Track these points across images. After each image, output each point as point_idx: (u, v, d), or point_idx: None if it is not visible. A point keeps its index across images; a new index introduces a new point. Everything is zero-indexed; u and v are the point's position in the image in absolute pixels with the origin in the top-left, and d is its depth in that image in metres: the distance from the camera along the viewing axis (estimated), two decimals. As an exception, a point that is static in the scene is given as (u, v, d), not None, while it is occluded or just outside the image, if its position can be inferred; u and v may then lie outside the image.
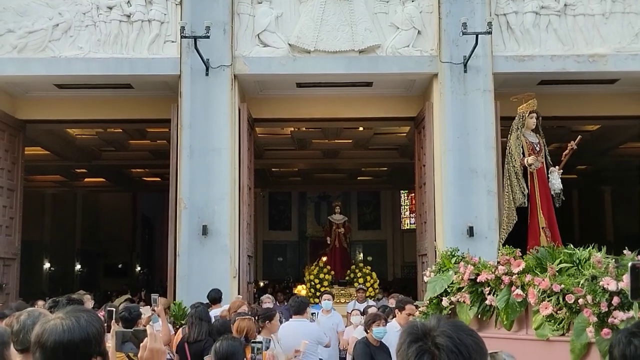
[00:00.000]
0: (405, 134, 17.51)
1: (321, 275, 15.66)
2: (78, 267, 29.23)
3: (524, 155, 8.08)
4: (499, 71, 12.36)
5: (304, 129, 18.01)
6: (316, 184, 27.37)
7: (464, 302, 5.77)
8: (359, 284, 15.23)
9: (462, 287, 5.83)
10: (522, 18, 12.51)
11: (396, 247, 31.00)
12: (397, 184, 27.55)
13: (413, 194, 24.11)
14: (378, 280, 16.38)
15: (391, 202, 31.58)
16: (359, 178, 26.14)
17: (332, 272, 16.04)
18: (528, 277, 5.23)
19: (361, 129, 17.78)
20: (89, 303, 8.83)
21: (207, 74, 12.21)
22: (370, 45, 12.52)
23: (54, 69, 12.47)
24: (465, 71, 12.25)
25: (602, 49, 12.39)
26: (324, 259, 16.56)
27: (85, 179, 24.80)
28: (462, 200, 12.08)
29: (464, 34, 11.69)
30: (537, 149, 8.18)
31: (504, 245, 7.14)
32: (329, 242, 17.18)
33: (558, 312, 4.92)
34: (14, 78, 12.79)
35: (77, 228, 29.07)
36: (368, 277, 16.06)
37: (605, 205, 22.98)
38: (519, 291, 5.25)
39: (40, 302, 9.20)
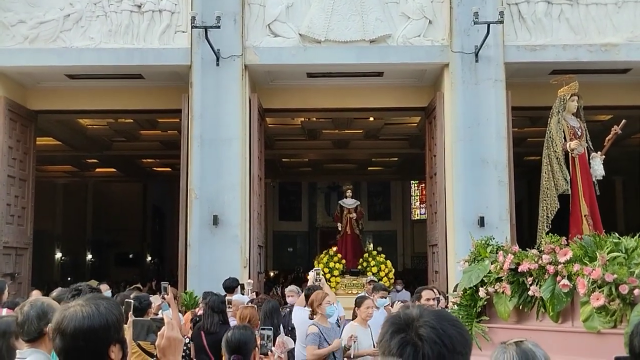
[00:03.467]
0: (415, 124, 17.47)
1: (331, 264, 14.48)
2: (89, 256, 29.39)
3: (565, 140, 7.65)
4: (510, 61, 12.31)
5: (314, 119, 18.00)
6: (326, 175, 27.36)
7: (503, 292, 5.54)
8: (373, 273, 14.27)
9: (501, 277, 5.58)
10: (534, 7, 12.44)
11: (406, 238, 31.00)
12: (407, 175, 27.51)
13: (423, 185, 23.99)
14: (393, 270, 15.24)
15: (401, 193, 31.56)
16: (369, 168, 26.12)
17: (343, 261, 14.89)
18: (576, 267, 4.98)
19: (372, 119, 17.75)
20: (106, 293, 8.89)
21: (217, 64, 12.22)
22: (381, 35, 12.49)
23: (65, 60, 12.51)
24: (476, 61, 12.20)
25: (615, 39, 12.31)
26: (334, 248, 15.40)
27: (96, 169, 24.90)
28: (473, 190, 12.06)
29: (475, 23, 11.64)
30: (579, 133, 7.75)
31: (546, 234, 6.97)
32: (339, 228, 15.80)
33: (610, 303, 4.68)
34: (26, 68, 12.83)
35: (88, 218, 29.21)
36: (382, 266, 14.85)
37: (617, 196, 22.89)
38: (565, 281, 5.00)
39: (35, 292, 9.27)
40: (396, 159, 24.28)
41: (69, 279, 15.81)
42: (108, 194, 29.33)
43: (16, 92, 13.48)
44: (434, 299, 7.56)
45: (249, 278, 11.69)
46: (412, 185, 31.09)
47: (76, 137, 18.84)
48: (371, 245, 16.22)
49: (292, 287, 10.48)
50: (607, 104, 13.43)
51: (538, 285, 5.26)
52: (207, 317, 7.25)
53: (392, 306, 8.50)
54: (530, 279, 5.35)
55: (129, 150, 21.30)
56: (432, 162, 13.33)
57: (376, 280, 12.92)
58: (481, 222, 11.82)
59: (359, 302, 7.74)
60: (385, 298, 10.24)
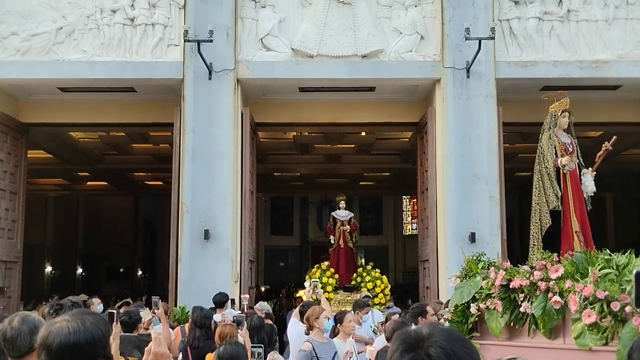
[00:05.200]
0: (407, 139, 17.51)
1: (324, 279, 13.83)
2: (80, 270, 29.22)
3: (556, 156, 7.68)
4: (501, 77, 12.38)
5: (306, 133, 18.02)
6: (318, 189, 27.36)
7: (495, 309, 5.50)
8: (368, 289, 13.62)
9: (493, 294, 5.55)
10: (525, 24, 12.53)
11: (398, 253, 30.99)
12: (399, 190, 27.55)
13: (415, 200, 23.99)
14: (389, 285, 14.52)
15: (393, 208, 31.57)
16: (361, 183, 26.13)
17: (336, 276, 14.22)
18: (568, 283, 4.94)
19: (363, 133, 17.78)
20: (98, 307, 8.85)
21: (210, 78, 12.24)
22: (373, 50, 12.54)
23: (58, 72, 12.50)
24: (468, 76, 12.27)
25: (605, 55, 12.40)
26: (327, 263, 14.63)
27: (88, 183, 24.82)
28: (464, 205, 12.08)
29: (466, 39, 11.71)
30: (570, 149, 7.79)
31: (538, 250, 6.92)
32: (332, 241, 14.95)
33: (602, 320, 4.64)
34: (17, 81, 12.81)
35: (79, 231, 29.08)
36: (378, 282, 14.09)
37: (607, 212, 22.98)
38: (557, 298, 4.97)
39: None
40: (388, 173, 24.31)
41: (53, 296, 15.62)
42: (99, 208, 29.25)
43: (8, 105, 13.44)
44: (432, 315, 7.56)
45: (243, 293, 11.65)
46: (404, 200, 31.12)
47: (68, 150, 18.78)
48: (363, 260, 15.78)
49: (259, 305, 10.35)
50: (597, 120, 13.52)
51: (529, 302, 5.23)
52: (191, 332, 7.27)
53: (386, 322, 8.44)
54: (521, 296, 5.33)
55: (121, 163, 21.24)
56: (423, 177, 13.35)
57: (371, 296, 12.65)
58: (472, 237, 11.82)
59: (339, 318, 7.69)
60: (367, 314, 10.23)
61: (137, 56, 12.48)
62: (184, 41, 11.99)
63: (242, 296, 10.73)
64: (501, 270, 5.58)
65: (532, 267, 5.48)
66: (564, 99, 7.98)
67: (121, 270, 29.87)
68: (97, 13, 12.55)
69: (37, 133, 15.07)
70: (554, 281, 5.09)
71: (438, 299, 11.35)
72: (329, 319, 7.49)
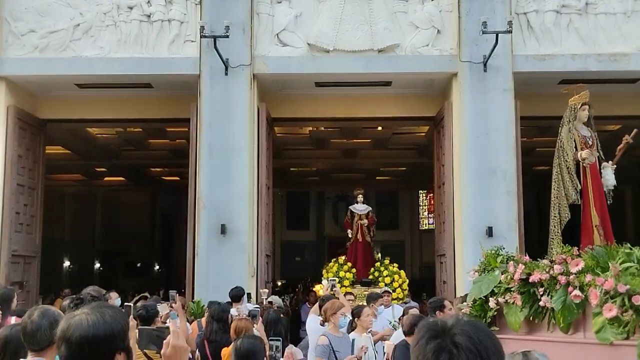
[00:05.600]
0: (424, 134, 17.46)
1: (341, 274, 13.85)
2: (97, 265, 29.43)
3: (576, 150, 7.62)
4: (519, 70, 12.30)
5: (322, 128, 18.01)
6: (334, 184, 27.34)
7: (514, 303, 5.47)
8: (385, 284, 13.47)
9: (512, 288, 5.53)
10: (543, 17, 12.43)
11: (414, 248, 30.89)
12: (415, 184, 27.46)
13: (431, 194, 23.91)
14: (407, 280, 14.43)
15: (409, 203, 31.48)
16: (377, 178, 26.08)
17: (354, 270, 14.15)
18: (589, 277, 4.90)
19: (380, 128, 17.74)
20: (116, 301, 8.91)
21: (226, 74, 12.26)
22: (390, 45, 12.50)
23: (75, 69, 12.58)
24: (485, 70, 12.19)
25: (624, 48, 12.29)
26: (344, 257, 14.60)
27: (105, 178, 24.97)
28: (481, 200, 12.02)
29: (483, 33, 11.64)
30: (590, 142, 7.73)
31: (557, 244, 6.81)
32: (349, 235, 14.80)
33: (623, 314, 4.60)
34: (36, 78, 12.91)
35: (97, 227, 29.28)
36: (396, 277, 13.98)
37: (626, 205, 22.77)
38: (577, 292, 4.93)
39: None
40: (404, 168, 24.25)
41: (79, 288, 15.75)
42: (117, 203, 29.40)
43: (26, 101, 13.54)
44: (450, 309, 7.55)
45: (260, 287, 11.70)
46: (421, 195, 31.01)
47: (85, 146, 18.91)
48: (379, 255, 15.72)
49: (271, 299, 10.40)
50: (616, 113, 13.38)
51: (549, 296, 5.20)
52: (208, 325, 7.31)
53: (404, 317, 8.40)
54: (541, 290, 5.30)
55: (138, 159, 21.36)
56: (440, 171, 13.30)
57: (390, 291, 12.51)
58: (489, 232, 11.77)
59: (357, 312, 7.70)
60: (383, 307, 10.21)
61: (154, 52, 12.53)
62: (200, 37, 12.02)
63: (261, 290, 10.78)
64: (520, 264, 5.55)
65: (551, 261, 5.43)
66: (583, 92, 7.91)
67: (138, 265, 30.04)
68: (114, 10, 12.62)
69: (55, 129, 15.18)
70: (574, 275, 5.05)
71: (455, 293, 11.32)
72: (346, 316, 7.50)
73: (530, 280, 5.38)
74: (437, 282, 13.69)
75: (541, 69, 12.36)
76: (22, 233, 13.28)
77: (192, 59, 12.44)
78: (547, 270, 5.30)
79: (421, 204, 31.34)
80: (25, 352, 3.52)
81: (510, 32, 11.70)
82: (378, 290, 12.43)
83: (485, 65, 12.15)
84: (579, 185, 7.53)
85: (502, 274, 5.72)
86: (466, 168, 12.18)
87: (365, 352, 7.10)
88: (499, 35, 11.66)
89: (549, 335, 5.25)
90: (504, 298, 5.59)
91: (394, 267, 14.30)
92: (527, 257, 5.73)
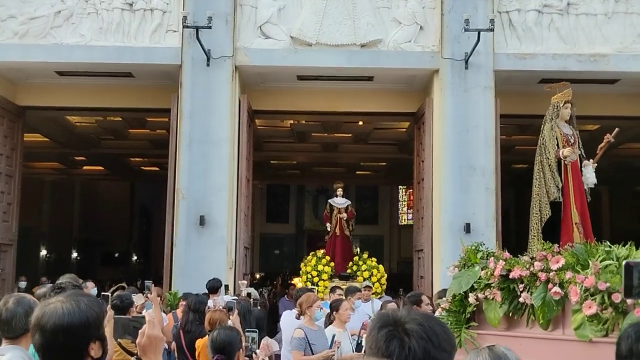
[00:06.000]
0: (404, 130, 17.51)
1: (320, 267, 13.78)
2: (75, 254, 29.24)
3: (558, 147, 7.64)
4: (500, 68, 12.37)
5: (303, 121, 18.00)
6: (315, 178, 27.36)
7: (493, 299, 5.48)
8: (364, 278, 13.44)
9: (492, 284, 5.53)
10: (525, 16, 12.51)
11: (393, 243, 31.04)
12: (395, 180, 27.57)
13: (411, 190, 24.02)
14: (386, 275, 14.33)
15: (389, 198, 31.61)
16: (357, 173, 26.14)
17: (332, 264, 14.06)
18: (569, 274, 4.92)
19: (361, 123, 17.77)
20: (92, 291, 8.87)
21: (208, 65, 12.21)
22: (372, 40, 12.51)
23: (55, 56, 12.45)
24: (466, 68, 12.25)
25: (604, 49, 12.40)
26: (322, 251, 14.48)
27: (84, 167, 24.79)
28: (460, 196, 12.10)
29: (466, 30, 11.70)
30: (572, 140, 7.76)
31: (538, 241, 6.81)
32: (328, 229, 14.73)
33: (603, 311, 4.62)
34: (15, 64, 12.76)
35: (75, 216, 29.07)
36: (374, 271, 13.89)
37: (603, 205, 23.03)
38: (557, 289, 4.94)
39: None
40: (384, 163, 24.32)
41: (43, 278, 15.73)
42: (95, 192, 29.23)
43: (5, 88, 13.41)
44: (427, 304, 7.59)
45: (238, 279, 11.69)
46: (400, 191, 31.14)
47: (64, 134, 18.75)
48: (358, 249, 15.70)
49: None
50: (595, 114, 13.51)
51: (529, 293, 5.22)
52: (184, 316, 7.30)
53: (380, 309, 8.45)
54: (521, 286, 5.32)
55: (118, 148, 21.22)
56: (420, 167, 13.36)
57: (370, 285, 12.46)
58: (467, 228, 11.85)
59: (335, 306, 7.72)
60: (361, 301, 10.25)
61: (135, 41, 12.44)
62: (183, 27, 11.96)
63: (239, 282, 10.76)
64: (501, 261, 5.57)
65: (532, 258, 5.46)
66: (566, 90, 7.95)
67: (116, 255, 29.90)
68: (95, -3, 12.51)
69: (34, 116, 15.04)
70: (554, 272, 5.08)
71: (432, 288, 11.39)
72: (322, 309, 7.52)
73: (510, 277, 5.40)
74: (414, 277, 13.77)
75: (522, 68, 12.45)
76: (-1, 221, 13.18)
77: (174, 49, 12.38)
78: (527, 266, 5.32)
79: (401, 199, 31.47)
80: (0, 340, 3.51)
81: (492, 30, 11.77)
82: (357, 285, 12.47)
83: (466, 62, 12.21)
84: (560, 182, 7.54)
85: (482, 270, 5.73)
86: (446, 164, 12.24)
87: (338, 347, 7.14)
88: (481, 33, 11.72)
89: (528, 331, 5.26)
90: (483, 294, 5.61)
91: (372, 261, 14.26)
92: (508, 254, 5.75)
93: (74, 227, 29.17)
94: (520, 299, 5.29)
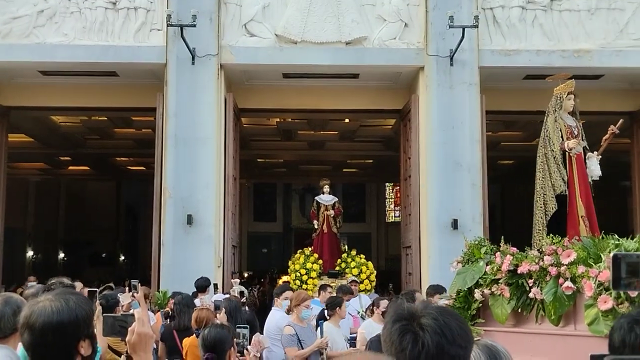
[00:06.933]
0: (391, 127, 17.55)
1: (308, 265, 13.72)
2: (62, 255, 29.07)
3: (562, 139, 7.39)
4: (485, 65, 12.42)
5: (289, 119, 18.00)
6: (301, 176, 27.36)
7: (501, 294, 5.37)
8: (353, 275, 13.25)
9: (499, 279, 5.42)
10: (509, 12, 12.57)
11: (380, 240, 31.06)
12: (382, 177, 27.61)
13: (398, 187, 24.04)
14: (375, 272, 14.23)
15: (376, 195, 31.63)
16: (344, 170, 26.16)
17: (320, 262, 13.89)
18: (581, 269, 4.81)
19: (347, 120, 17.79)
20: (82, 291, 8.83)
21: (193, 63, 12.18)
22: (357, 37, 12.53)
23: (39, 56, 12.37)
24: (451, 64, 12.30)
25: (587, 45, 12.48)
26: (310, 248, 14.37)
27: (70, 167, 24.65)
28: (447, 193, 12.14)
29: (450, 27, 11.74)
30: (575, 132, 7.53)
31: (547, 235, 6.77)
32: (316, 226, 14.65)
33: (619, 306, 4.50)
34: (-2, 64, 12.67)
35: (61, 216, 28.89)
36: (363, 268, 13.80)
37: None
38: (568, 283, 4.84)
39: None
40: (371, 161, 24.36)
41: (29, 278, 15.67)
42: (81, 193, 29.06)
43: (-12, 88, 13.31)
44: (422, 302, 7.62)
45: (226, 278, 11.69)
46: (387, 188, 31.17)
47: (49, 134, 18.65)
48: (346, 247, 15.69)
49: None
50: (580, 109, 13.57)
51: (539, 288, 5.13)
52: (181, 314, 7.19)
53: (373, 307, 8.41)
54: (530, 281, 5.22)
55: (103, 148, 21.14)
56: (406, 164, 13.40)
57: (357, 281, 12.51)
58: (455, 224, 11.90)
59: (338, 303, 7.80)
60: (353, 299, 10.31)
61: (119, 40, 12.39)
62: (167, 26, 11.91)
63: (232, 281, 10.77)
64: (508, 255, 5.47)
65: (541, 252, 5.37)
66: (569, 81, 7.77)
67: (103, 255, 29.77)
68: (79, -4, 12.43)
69: (18, 116, 14.93)
70: (565, 266, 4.98)
71: (420, 285, 11.43)
72: (311, 308, 7.54)
73: (518, 272, 5.31)
74: (402, 274, 13.80)
75: (506, 64, 12.51)
76: (-16, 222, 13.08)
77: (159, 48, 12.33)
78: (536, 261, 5.22)
79: (387, 196, 31.50)
80: None
81: (476, 26, 11.81)
82: (344, 282, 12.47)
83: (451, 59, 12.26)
84: (566, 175, 7.32)
85: (487, 265, 5.62)
86: (432, 161, 12.28)
87: (327, 343, 7.17)
88: (466, 29, 11.77)
89: (538, 327, 5.18)
90: (490, 289, 5.51)
91: (361, 258, 14.18)
92: (514, 248, 5.65)
93: (60, 228, 28.99)
94: (530, 295, 5.18)
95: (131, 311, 7.33)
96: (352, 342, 8.12)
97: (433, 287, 8.02)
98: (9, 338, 3.38)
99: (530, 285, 5.21)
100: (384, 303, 8.19)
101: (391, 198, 31.10)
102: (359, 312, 10.02)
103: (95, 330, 2.58)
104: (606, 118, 14.26)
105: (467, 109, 12.31)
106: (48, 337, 2.38)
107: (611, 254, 2.75)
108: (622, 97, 13.75)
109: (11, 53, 12.31)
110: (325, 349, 7.15)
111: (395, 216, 29.24)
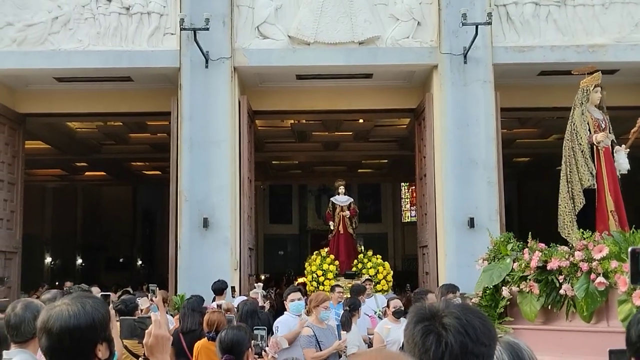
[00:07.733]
0: (405, 126, 17.50)
1: (325, 266, 13.60)
2: (79, 261, 29.27)
3: (590, 133, 7.22)
4: (498, 62, 12.36)
5: (304, 121, 18.01)
6: (316, 177, 27.35)
7: (529, 291, 5.28)
8: (370, 275, 13.16)
9: (527, 276, 5.33)
10: (522, 9, 12.50)
11: (397, 240, 30.99)
12: (397, 176, 27.54)
13: (413, 186, 23.99)
14: (391, 272, 14.13)
15: (392, 195, 31.56)
16: (359, 171, 26.12)
17: (337, 262, 13.89)
18: (614, 264, 4.72)
19: (361, 121, 17.77)
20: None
21: (206, 67, 12.21)
22: (370, 37, 12.51)
23: (54, 62, 12.47)
24: (465, 62, 12.24)
25: (602, 40, 12.38)
26: (326, 249, 14.35)
27: (86, 173, 24.82)
28: (463, 191, 12.09)
29: (463, 24, 11.68)
30: (603, 125, 7.39)
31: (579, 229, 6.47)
32: (332, 227, 14.55)
33: None
34: (14, 71, 12.77)
35: (78, 222, 29.09)
36: (380, 268, 13.74)
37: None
38: (601, 279, 4.75)
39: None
40: (386, 160, 24.31)
41: (43, 285, 15.77)
42: (98, 198, 29.24)
43: (4, 95, 13.42)
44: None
45: (254, 281, 11.73)
46: (402, 187, 31.10)
47: (65, 140, 18.77)
48: (362, 247, 15.65)
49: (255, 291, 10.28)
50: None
51: (570, 284, 5.02)
52: (185, 317, 7.17)
53: (388, 307, 8.40)
54: (561, 278, 5.12)
55: (119, 153, 21.24)
56: (421, 163, 13.36)
57: (372, 280, 12.47)
58: (471, 223, 11.85)
59: (359, 304, 7.88)
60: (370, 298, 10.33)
61: (133, 45, 12.45)
62: (180, 30, 11.96)
63: (255, 284, 10.81)
64: (536, 252, 5.39)
65: (571, 248, 5.26)
66: (596, 74, 7.61)
67: (120, 260, 29.91)
68: (92, 2, 12.51)
69: (35, 123, 15.05)
70: (597, 262, 4.88)
71: (437, 284, 11.38)
72: (330, 310, 7.53)
73: (548, 268, 5.21)
74: (419, 273, 13.76)
75: (521, 61, 12.43)
76: (3, 229, 13.18)
77: (172, 52, 12.38)
78: (567, 257, 5.12)
79: (403, 196, 31.43)
80: (8, 345, 3.52)
81: (489, 23, 11.75)
82: (359, 282, 12.40)
83: (465, 57, 12.20)
84: (594, 169, 7.16)
85: (514, 262, 5.53)
86: (447, 159, 12.23)
87: (345, 346, 7.17)
88: (479, 27, 11.71)
89: (568, 324, 5.10)
90: (517, 287, 5.41)
91: (377, 258, 14.10)
92: (542, 244, 5.54)
93: (77, 233, 29.20)
94: (561, 291, 5.08)
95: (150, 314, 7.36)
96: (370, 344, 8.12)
97: (446, 286, 7.99)
98: (29, 342, 3.41)
99: (561, 281, 5.11)
100: (394, 302, 8.18)
101: (407, 198, 31.04)
102: (376, 312, 10.01)
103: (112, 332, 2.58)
104: (622, 113, 14.19)
105: (482, 107, 12.25)
106: (65, 341, 2.39)
107: (629, 249, 2.72)
108: (637, 92, 13.61)
109: (26, 60, 12.41)
110: (345, 352, 7.13)
111: (411, 216, 29.18)
